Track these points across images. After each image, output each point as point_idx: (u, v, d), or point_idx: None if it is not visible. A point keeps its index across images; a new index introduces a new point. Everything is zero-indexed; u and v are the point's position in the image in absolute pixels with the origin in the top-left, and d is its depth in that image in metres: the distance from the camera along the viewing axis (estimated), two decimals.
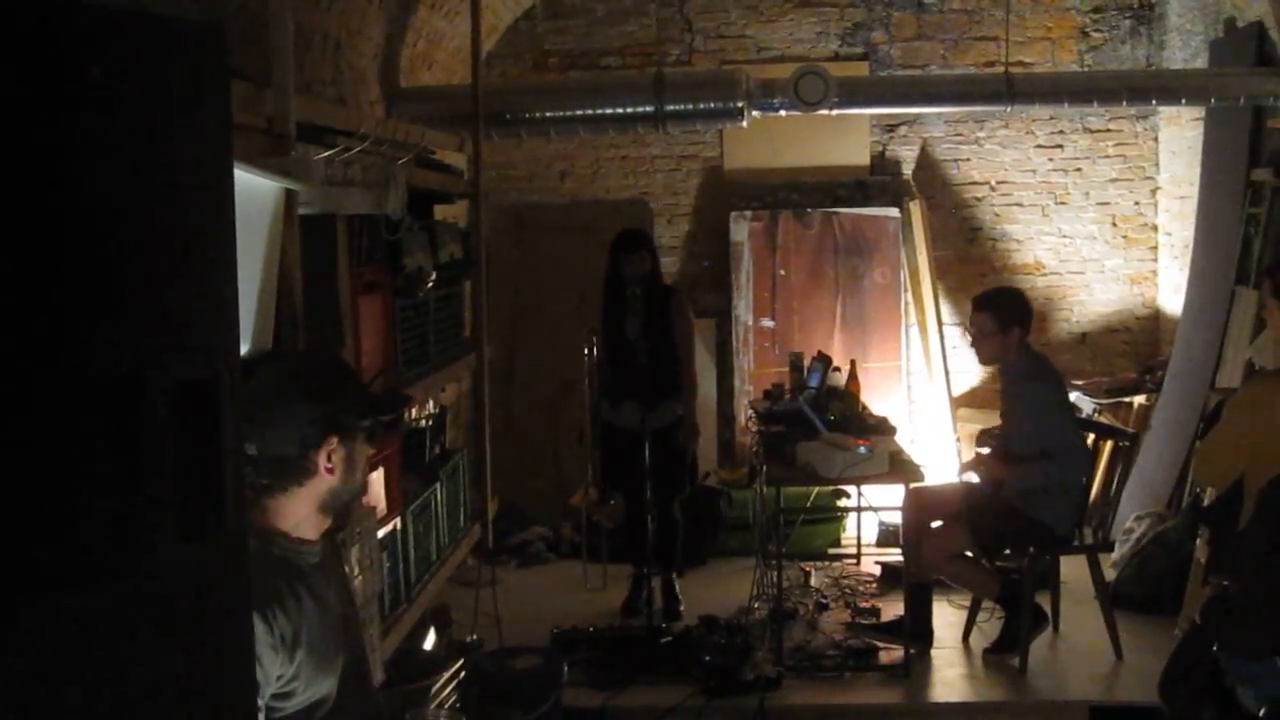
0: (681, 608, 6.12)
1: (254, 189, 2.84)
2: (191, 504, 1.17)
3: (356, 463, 2.45)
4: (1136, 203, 7.94)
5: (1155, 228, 7.93)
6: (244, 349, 2.78)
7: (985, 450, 5.74)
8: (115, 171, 1.10)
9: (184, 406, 1.14)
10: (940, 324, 7.75)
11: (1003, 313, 5.44)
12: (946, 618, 5.86)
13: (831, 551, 7.09)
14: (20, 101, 0.96)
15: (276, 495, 2.37)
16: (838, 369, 6.62)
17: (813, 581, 6.44)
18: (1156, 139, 7.88)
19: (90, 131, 1.05)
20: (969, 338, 5.66)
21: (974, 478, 5.80)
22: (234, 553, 1.29)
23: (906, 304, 7.88)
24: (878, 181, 7.88)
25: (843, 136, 7.83)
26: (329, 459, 2.38)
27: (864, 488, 5.92)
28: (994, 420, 5.96)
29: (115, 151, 1.10)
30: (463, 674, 4.64)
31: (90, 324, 1.07)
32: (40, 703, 1.03)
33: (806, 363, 6.73)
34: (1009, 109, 6.61)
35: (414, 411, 4.86)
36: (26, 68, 0.96)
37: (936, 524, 5.52)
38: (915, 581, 5.52)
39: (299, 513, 2.40)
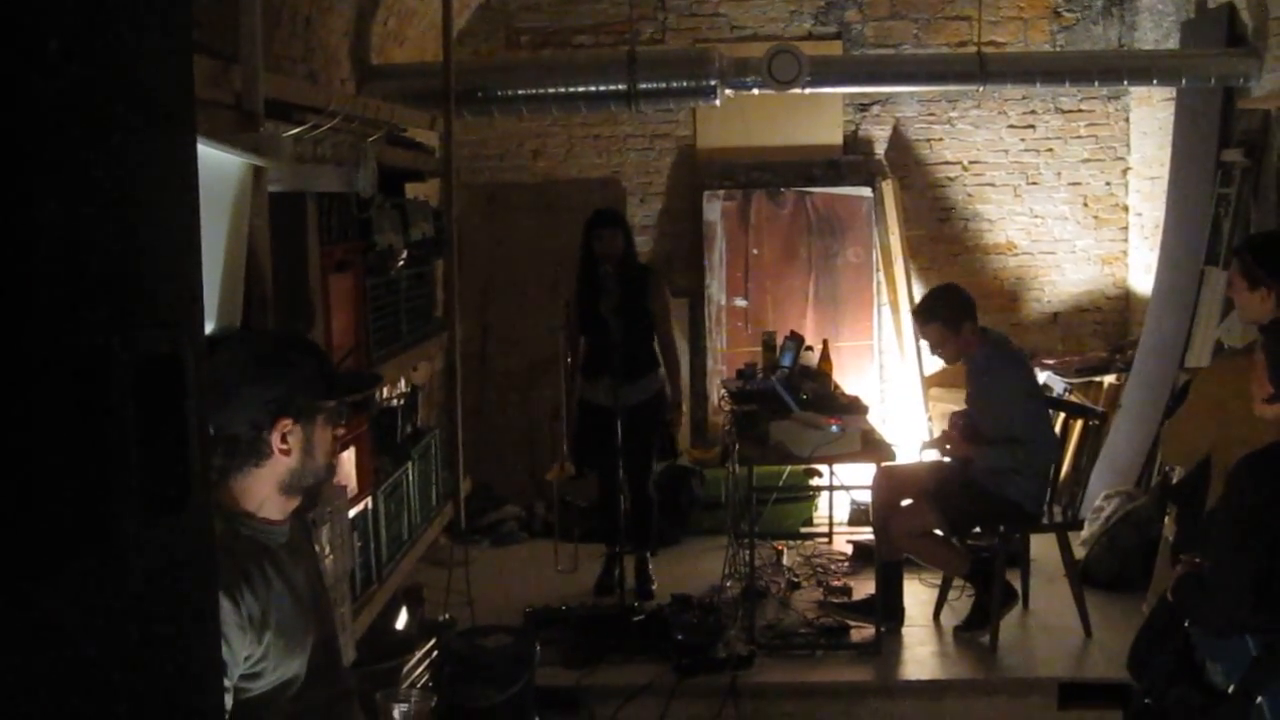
0: (654, 587, 6.13)
1: (222, 166, 2.81)
2: (155, 481, 1.16)
3: (316, 444, 2.42)
4: (1108, 183, 7.97)
5: (1126, 208, 7.96)
6: (211, 327, 2.76)
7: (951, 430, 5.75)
8: (74, 145, 1.08)
9: (147, 383, 1.13)
10: (912, 304, 7.76)
11: (947, 316, 5.42)
12: (917, 596, 5.89)
13: (803, 530, 7.12)
14: None
15: (235, 475, 2.36)
16: (810, 348, 6.63)
17: (785, 560, 6.45)
18: (1128, 119, 7.91)
19: (48, 105, 1.03)
20: (928, 348, 5.63)
21: (935, 455, 5.82)
22: (199, 530, 1.28)
23: (879, 283, 7.90)
24: (850, 161, 7.88)
25: (816, 116, 7.83)
26: (283, 440, 2.36)
27: (836, 467, 5.94)
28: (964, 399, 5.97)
29: (74, 125, 1.08)
30: (435, 653, 4.64)
31: (50, 300, 1.05)
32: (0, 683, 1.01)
33: (779, 342, 6.75)
34: (981, 89, 6.62)
35: (386, 391, 4.84)
36: None
37: (907, 502, 5.53)
38: (886, 560, 5.54)
39: (260, 493, 2.39)
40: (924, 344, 5.78)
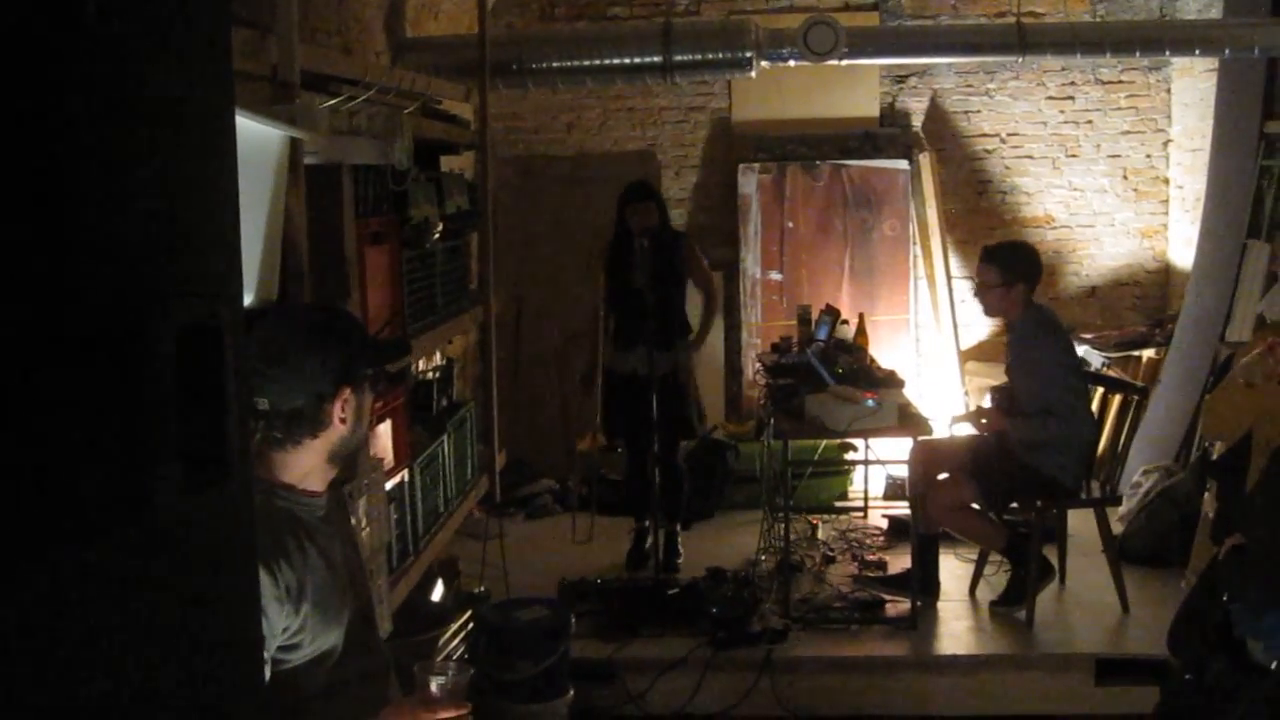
0: (680, 561, 6.12)
1: (258, 138, 2.81)
2: (194, 452, 1.15)
3: (364, 412, 2.46)
4: (1148, 155, 7.88)
5: (1167, 181, 7.87)
6: (249, 300, 2.76)
7: (987, 404, 5.72)
8: (112, 113, 1.07)
9: (186, 353, 1.12)
10: (949, 277, 7.71)
11: (1008, 267, 5.40)
12: (953, 570, 5.86)
13: (838, 504, 7.09)
14: (12, 37, 0.94)
15: (288, 448, 2.36)
16: (846, 322, 6.60)
17: (820, 534, 6.44)
18: (1169, 91, 7.81)
19: (86, 70, 1.02)
20: (973, 288, 5.63)
21: (968, 429, 5.79)
22: (239, 502, 1.27)
23: (915, 257, 7.84)
24: (887, 133, 7.82)
25: (852, 88, 7.76)
26: (342, 410, 2.38)
27: (871, 441, 5.91)
28: (1001, 373, 5.94)
29: (112, 92, 1.07)
30: (470, 625, 4.66)
31: (89, 269, 1.05)
32: (39, 655, 1.01)
33: (814, 315, 6.71)
34: (1020, 60, 6.53)
35: (421, 364, 4.84)
36: (18, 1, 0.93)
37: (943, 476, 5.51)
38: (922, 534, 5.51)
39: (307, 464, 2.40)
40: (963, 310, 5.74)
